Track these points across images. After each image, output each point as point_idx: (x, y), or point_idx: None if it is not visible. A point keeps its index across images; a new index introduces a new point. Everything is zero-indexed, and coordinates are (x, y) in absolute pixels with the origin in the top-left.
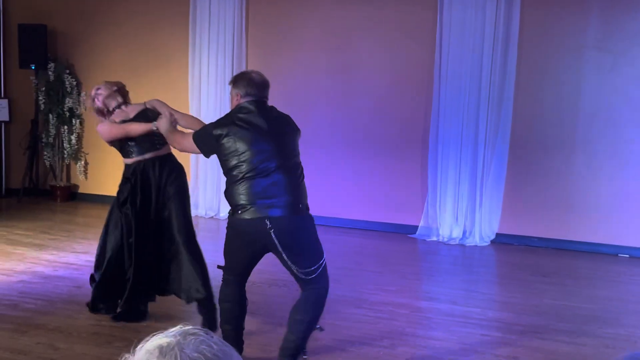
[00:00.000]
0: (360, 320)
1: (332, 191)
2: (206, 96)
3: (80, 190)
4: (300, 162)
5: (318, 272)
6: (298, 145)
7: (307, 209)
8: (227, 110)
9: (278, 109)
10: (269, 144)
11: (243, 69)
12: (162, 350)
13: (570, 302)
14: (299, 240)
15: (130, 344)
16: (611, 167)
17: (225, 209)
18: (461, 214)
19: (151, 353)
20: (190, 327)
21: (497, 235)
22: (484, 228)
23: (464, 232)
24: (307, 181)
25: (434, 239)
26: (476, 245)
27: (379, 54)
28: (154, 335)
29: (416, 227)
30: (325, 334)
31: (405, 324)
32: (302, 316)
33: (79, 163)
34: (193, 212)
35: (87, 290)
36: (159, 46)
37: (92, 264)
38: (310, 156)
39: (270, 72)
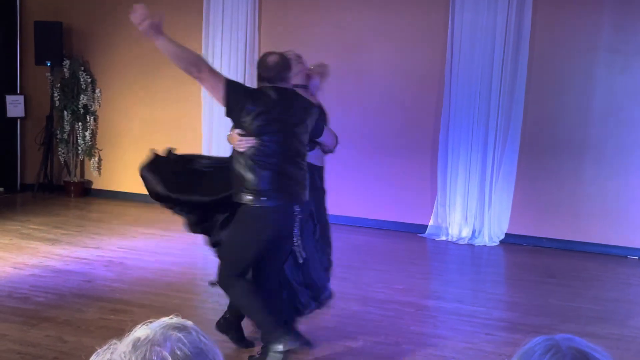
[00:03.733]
0: (365, 318)
1: (343, 190)
2: None
3: (94, 187)
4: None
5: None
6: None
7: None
8: None
9: None
10: None
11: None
12: (135, 345)
13: (576, 303)
14: None
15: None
16: (621, 169)
17: None
18: (470, 213)
19: (126, 346)
20: (178, 320)
21: (507, 235)
22: (493, 228)
23: (473, 232)
24: None
25: (444, 238)
26: (485, 245)
27: (390, 56)
28: (143, 323)
29: (426, 227)
30: (331, 332)
31: (411, 322)
32: None
33: (92, 159)
34: None
35: (97, 284)
36: None
37: (103, 259)
38: None
39: None
